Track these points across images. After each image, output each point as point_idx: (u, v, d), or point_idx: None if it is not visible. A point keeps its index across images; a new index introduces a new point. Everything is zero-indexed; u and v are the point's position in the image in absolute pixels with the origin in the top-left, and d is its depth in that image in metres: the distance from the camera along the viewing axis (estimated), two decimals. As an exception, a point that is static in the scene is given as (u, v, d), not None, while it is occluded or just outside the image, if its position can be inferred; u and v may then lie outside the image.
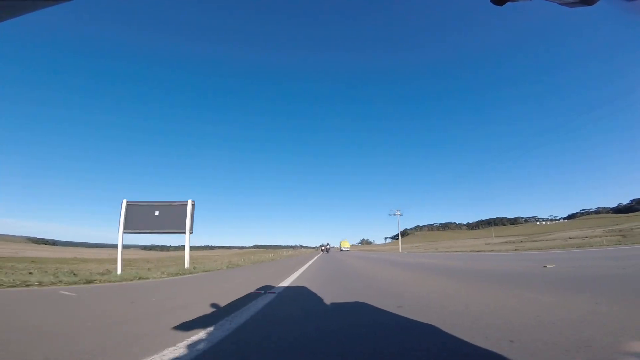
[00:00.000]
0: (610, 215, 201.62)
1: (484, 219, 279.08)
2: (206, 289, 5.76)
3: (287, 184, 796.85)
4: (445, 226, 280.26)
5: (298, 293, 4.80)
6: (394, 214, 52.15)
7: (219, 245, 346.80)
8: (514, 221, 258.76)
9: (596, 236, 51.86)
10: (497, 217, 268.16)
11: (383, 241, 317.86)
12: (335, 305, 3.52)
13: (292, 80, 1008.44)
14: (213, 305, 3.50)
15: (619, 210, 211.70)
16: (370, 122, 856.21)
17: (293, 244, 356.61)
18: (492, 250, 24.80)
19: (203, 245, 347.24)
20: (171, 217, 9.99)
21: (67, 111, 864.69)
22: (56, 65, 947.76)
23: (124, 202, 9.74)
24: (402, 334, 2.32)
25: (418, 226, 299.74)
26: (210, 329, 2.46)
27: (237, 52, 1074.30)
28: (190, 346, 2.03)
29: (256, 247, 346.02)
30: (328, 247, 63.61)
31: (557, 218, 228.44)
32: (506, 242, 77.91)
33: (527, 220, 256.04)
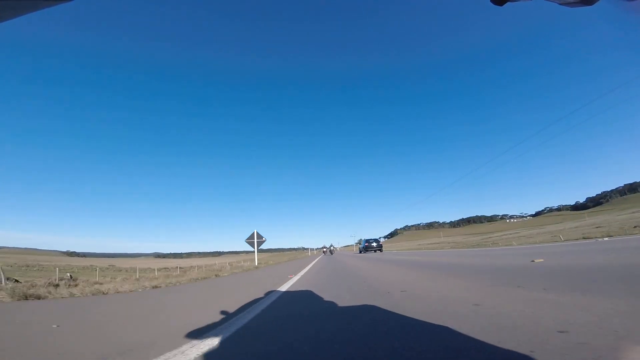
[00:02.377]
0: (568, 212, 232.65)
1: (465, 217, 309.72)
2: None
3: (290, 187, 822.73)
4: (430, 225, 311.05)
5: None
6: (352, 236, 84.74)
7: (227, 250, 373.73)
8: (491, 219, 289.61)
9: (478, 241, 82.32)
10: (476, 216, 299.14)
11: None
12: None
13: (295, 85, 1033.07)
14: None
15: (577, 207, 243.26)
16: (369, 125, 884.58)
17: (297, 247, 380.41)
18: (418, 249, 53.28)
19: (212, 251, 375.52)
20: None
21: (62, 106, 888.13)
22: (68, 67, 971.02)
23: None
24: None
25: (407, 226, 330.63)
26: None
27: (244, 60, 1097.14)
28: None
29: (260, 251, 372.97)
30: (332, 248, 61.00)
31: (525, 215, 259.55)
32: (449, 242, 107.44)
33: (502, 217, 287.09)
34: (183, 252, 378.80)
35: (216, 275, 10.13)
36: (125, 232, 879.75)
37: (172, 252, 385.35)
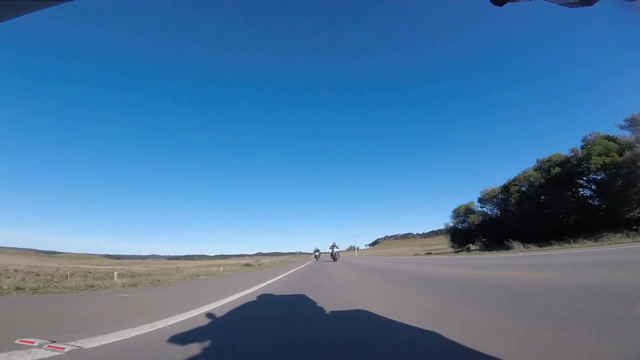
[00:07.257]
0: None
1: (435, 229, 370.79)
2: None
3: (285, 192, 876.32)
4: (405, 236, 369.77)
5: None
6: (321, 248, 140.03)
7: (232, 254, 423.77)
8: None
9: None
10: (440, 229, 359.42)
11: (364, 247, 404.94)
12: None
13: (295, 89, 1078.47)
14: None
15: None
16: (367, 129, 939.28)
17: (294, 251, 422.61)
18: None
19: (218, 254, 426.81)
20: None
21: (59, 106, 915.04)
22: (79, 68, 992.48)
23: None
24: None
25: (387, 236, 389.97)
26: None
27: (239, 58, 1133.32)
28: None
29: (259, 254, 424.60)
30: (334, 252, 37.36)
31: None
32: (396, 251, 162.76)
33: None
34: (184, 254, 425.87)
35: (280, 264, 34.10)
36: (127, 234, 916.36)
37: (173, 254, 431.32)
